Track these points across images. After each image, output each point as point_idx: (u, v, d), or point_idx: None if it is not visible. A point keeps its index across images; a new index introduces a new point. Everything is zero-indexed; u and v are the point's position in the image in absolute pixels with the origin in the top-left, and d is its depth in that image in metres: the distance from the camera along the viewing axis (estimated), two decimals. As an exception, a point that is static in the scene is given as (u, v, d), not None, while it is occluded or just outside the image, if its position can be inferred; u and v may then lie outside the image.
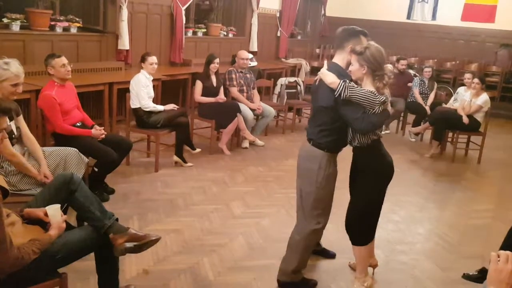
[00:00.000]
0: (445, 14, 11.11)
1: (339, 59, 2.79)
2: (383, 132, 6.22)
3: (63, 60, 3.79)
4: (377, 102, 2.59)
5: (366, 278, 2.99)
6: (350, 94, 2.56)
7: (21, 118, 3.23)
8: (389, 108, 2.80)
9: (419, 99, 6.95)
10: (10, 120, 3.05)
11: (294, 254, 2.94)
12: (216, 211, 4.02)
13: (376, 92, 2.62)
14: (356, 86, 2.62)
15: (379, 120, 2.65)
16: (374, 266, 3.18)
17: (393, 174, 2.88)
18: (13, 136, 3.12)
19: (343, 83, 2.57)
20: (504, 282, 1.42)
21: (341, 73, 2.70)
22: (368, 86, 2.66)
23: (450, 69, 10.55)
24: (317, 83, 2.83)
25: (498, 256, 1.46)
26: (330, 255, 3.44)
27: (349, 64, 2.73)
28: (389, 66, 2.78)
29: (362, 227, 2.93)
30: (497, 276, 1.43)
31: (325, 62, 2.85)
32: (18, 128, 3.20)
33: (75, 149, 3.41)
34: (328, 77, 2.64)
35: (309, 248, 2.99)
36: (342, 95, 2.57)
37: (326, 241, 3.65)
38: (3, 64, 3.02)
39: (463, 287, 3.14)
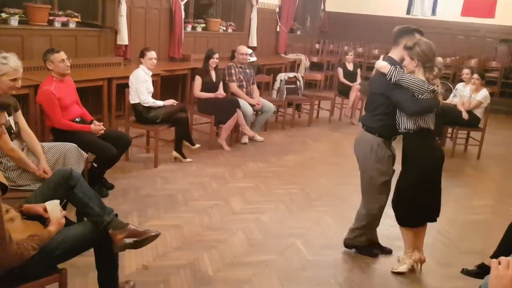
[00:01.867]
0: (445, 9, 11.09)
1: (394, 54, 3.13)
2: None
3: (62, 55, 3.77)
4: (425, 89, 2.89)
5: (414, 253, 3.17)
6: (400, 78, 2.90)
7: (19, 113, 3.22)
8: (440, 99, 3.06)
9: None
10: (9, 115, 3.04)
11: (360, 227, 3.29)
12: (215, 207, 4.01)
13: (426, 81, 2.91)
14: (405, 72, 2.94)
15: (428, 104, 2.91)
16: (422, 261, 3.22)
17: (440, 168, 3.04)
18: (12, 131, 3.11)
19: (393, 68, 2.92)
20: None
21: (394, 63, 3.01)
22: (420, 77, 2.94)
23: (450, 65, 10.52)
24: (373, 73, 3.23)
25: (499, 263, 1.45)
26: (386, 250, 3.46)
27: (402, 59, 3.04)
28: (439, 59, 3.07)
29: (400, 209, 3.10)
30: (498, 282, 1.43)
31: (381, 56, 3.27)
32: (16, 123, 3.19)
33: (74, 145, 3.40)
34: (381, 64, 3.02)
35: (370, 225, 3.31)
36: (392, 78, 2.91)
37: (327, 236, 3.66)
38: (1, 59, 3.00)
39: (463, 283, 3.14)
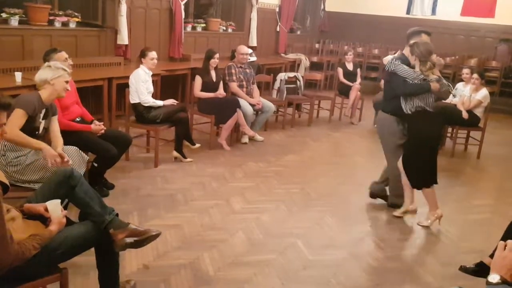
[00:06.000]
0: (444, 9, 11.08)
1: (406, 51, 3.92)
2: None
3: (65, 54, 3.81)
4: (415, 76, 3.73)
5: (437, 210, 3.90)
6: (395, 68, 3.78)
7: (55, 118, 3.32)
8: (443, 88, 3.79)
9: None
10: (44, 118, 3.19)
11: (397, 183, 4.05)
12: (216, 207, 4.02)
13: (418, 71, 3.73)
14: (401, 64, 3.77)
15: (414, 88, 3.73)
16: (441, 216, 3.91)
17: (437, 142, 4.05)
18: (37, 133, 3.16)
19: (391, 60, 3.80)
20: (506, 268, 1.55)
21: (401, 58, 3.87)
22: (417, 68, 3.77)
23: (450, 64, 10.53)
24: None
25: (506, 245, 1.60)
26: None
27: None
28: (434, 56, 3.80)
29: (409, 175, 3.86)
30: (500, 262, 1.58)
31: (395, 52, 4.39)
32: (44, 128, 3.24)
33: (76, 147, 3.41)
34: (386, 58, 3.95)
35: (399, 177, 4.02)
36: (389, 68, 3.84)
37: (327, 236, 3.66)
38: (57, 63, 3.23)
39: (463, 282, 3.14)
